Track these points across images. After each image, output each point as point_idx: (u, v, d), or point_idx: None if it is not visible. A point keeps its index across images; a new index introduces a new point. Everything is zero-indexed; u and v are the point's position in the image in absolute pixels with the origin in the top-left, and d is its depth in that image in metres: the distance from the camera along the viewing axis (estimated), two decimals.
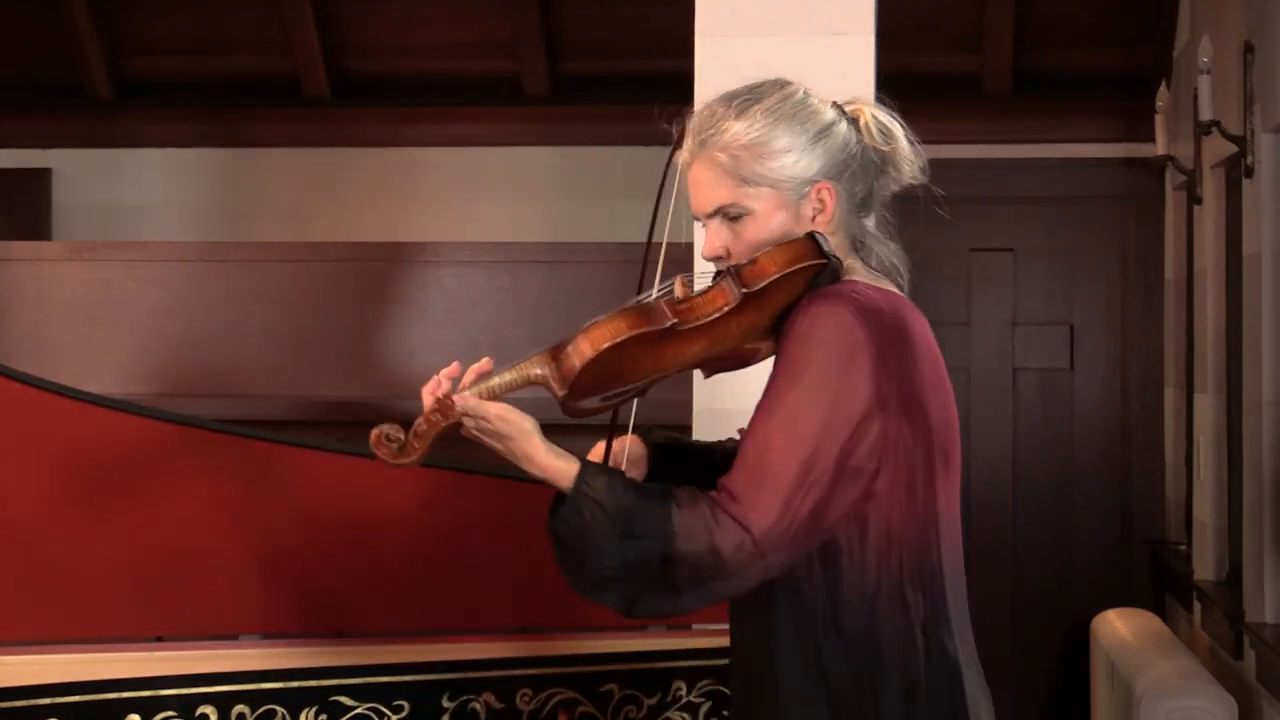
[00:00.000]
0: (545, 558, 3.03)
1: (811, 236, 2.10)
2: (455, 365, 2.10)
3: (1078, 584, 5.81)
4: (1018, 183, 5.88)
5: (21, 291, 5.36)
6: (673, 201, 2.18)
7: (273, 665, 2.82)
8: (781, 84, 2.18)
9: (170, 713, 2.76)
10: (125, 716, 2.74)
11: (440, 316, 5.29)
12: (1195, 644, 4.96)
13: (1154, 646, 4.69)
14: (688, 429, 3.47)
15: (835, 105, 2.19)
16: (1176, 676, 4.33)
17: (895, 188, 2.23)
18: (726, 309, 2.06)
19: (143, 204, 6.26)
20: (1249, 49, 4.28)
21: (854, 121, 2.18)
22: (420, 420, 2.06)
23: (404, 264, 5.34)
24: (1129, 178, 5.86)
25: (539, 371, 2.07)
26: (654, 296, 2.10)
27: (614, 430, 2.22)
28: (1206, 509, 4.95)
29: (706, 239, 2.16)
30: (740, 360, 2.21)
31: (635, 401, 2.23)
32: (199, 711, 2.77)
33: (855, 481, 2.03)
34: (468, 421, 2.06)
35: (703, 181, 2.15)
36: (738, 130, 2.12)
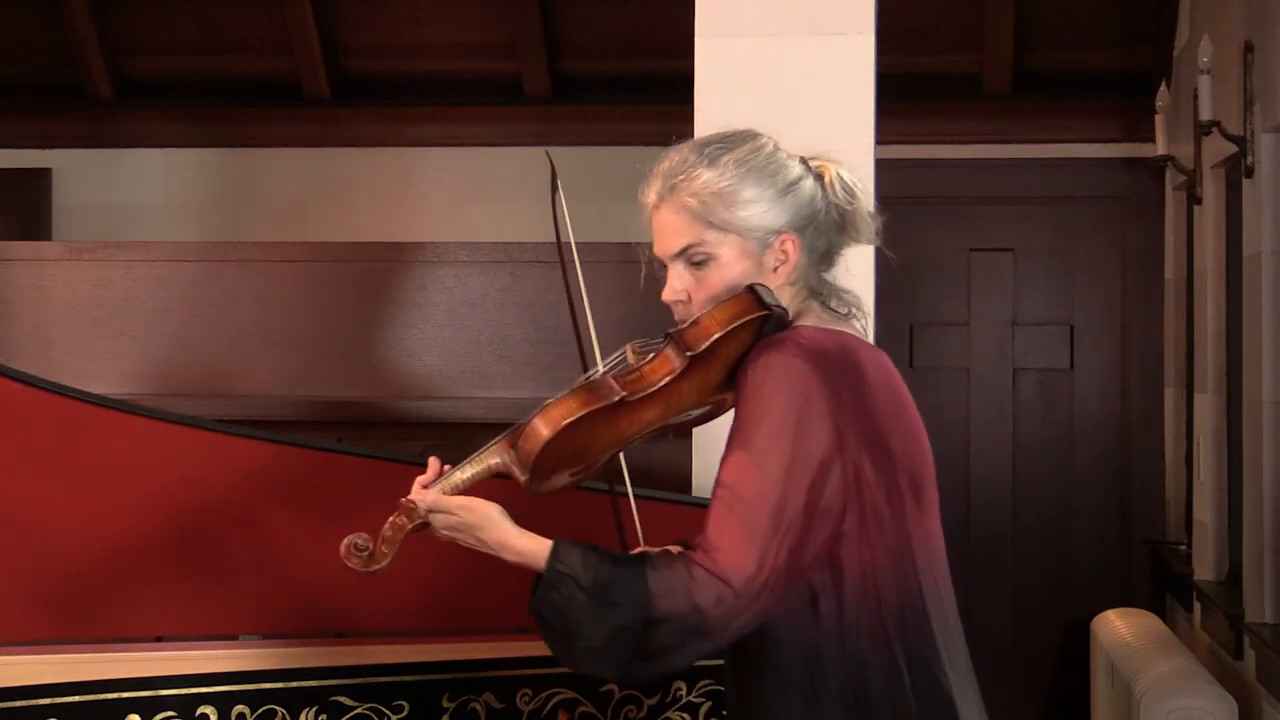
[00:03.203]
0: None
1: (752, 289, 2.13)
2: (431, 465, 2.17)
3: (1078, 584, 5.81)
4: (1018, 183, 5.88)
5: (21, 291, 5.35)
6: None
7: (273, 665, 2.83)
8: (752, 135, 2.22)
9: (170, 713, 2.76)
10: (125, 716, 2.75)
11: (440, 316, 5.29)
12: (1195, 644, 4.96)
13: (1154, 646, 4.69)
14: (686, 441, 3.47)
15: (802, 161, 2.22)
16: (1176, 676, 4.33)
17: (852, 245, 2.25)
18: (673, 375, 2.10)
19: (143, 204, 6.26)
20: (1249, 49, 4.28)
21: (819, 177, 2.21)
22: (385, 526, 2.14)
23: (404, 264, 5.34)
24: (1129, 178, 5.86)
25: (498, 460, 2.14)
26: (603, 370, 2.15)
27: (615, 498, 2.27)
28: (1206, 509, 4.94)
29: (669, 282, 2.19)
30: (707, 414, 2.24)
31: (623, 460, 2.28)
32: (199, 711, 2.77)
33: (825, 523, 2.04)
34: (435, 519, 2.13)
35: (670, 224, 2.18)
36: (709, 178, 2.15)
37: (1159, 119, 5.26)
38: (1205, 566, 4.93)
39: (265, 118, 6.22)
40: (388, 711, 2.84)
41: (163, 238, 5.97)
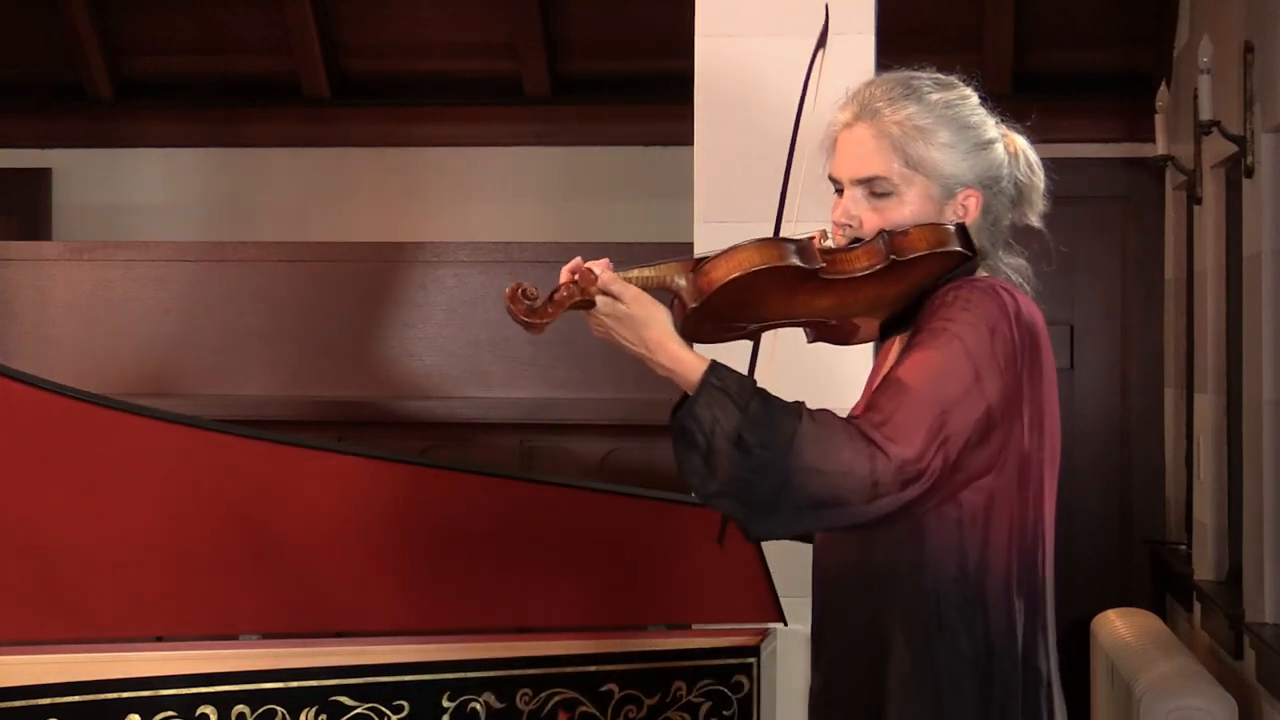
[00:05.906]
0: (544, 558, 3.04)
1: (961, 227, 2.12)
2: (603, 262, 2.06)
3: (1078, 584, 5.80)
4: None
5: (21, 291, 5.36)
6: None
7: (273, 665, 2.83)
8: (958, 84, 2.23)
9: (170, 713, 2.76)
10: (125, 716, 2.75)
11: (440, 316, 5.29)
12: (1195, 644, 4.96)
13: (1154, 646, 4.69)
14: None
15: (997, 125, 2.23)
16: (1176, 676, 4.32)
17: (1019, 222, 2.27)
18: (871, 270, 2.06)
19: (143, 204, 6.26)
20: (1249, 49, 4.28)
21: (1006, 147, 2.22)
22: (560, 288, 2.01)
23: (404, 264, 5.34)
24: (1129, 178, 5.85)
25: (677, 279, 2.04)
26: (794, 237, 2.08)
27: (756, 355, 2.22)
28: (1206, 509, 4.94)
29: (841, 204, 2.14)
30: (845, 334, 2.18)
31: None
32: (199, 711, 2.77)
33: (973, 467, 2.04)
34: (602, 301, 2.00)
35: (862, 145, 2.13)
36: (914, 110, 2.14)
37: (1159, 119, 5.26)
38: (1205, 566, 4.93)
39: (265, 118, 6.23)
40: (388, 711, 2.84)
41: (163, 238, 5.98)
